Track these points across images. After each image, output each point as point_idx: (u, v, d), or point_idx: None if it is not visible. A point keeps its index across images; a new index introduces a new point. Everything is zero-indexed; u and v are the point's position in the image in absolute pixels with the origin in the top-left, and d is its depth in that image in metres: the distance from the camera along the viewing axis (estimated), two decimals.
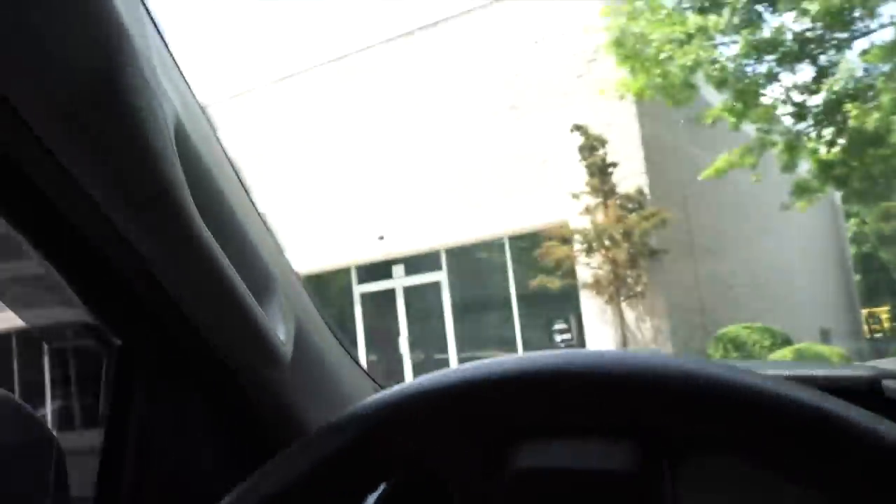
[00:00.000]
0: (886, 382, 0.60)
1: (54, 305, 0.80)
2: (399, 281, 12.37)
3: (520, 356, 0.48)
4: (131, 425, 0.67)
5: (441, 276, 12.02)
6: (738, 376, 0.43)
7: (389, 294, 12.40)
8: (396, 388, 0.50)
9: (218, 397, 0.70)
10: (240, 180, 0.68)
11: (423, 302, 12.21)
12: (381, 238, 12.11)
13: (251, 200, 0.69)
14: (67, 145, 0.47)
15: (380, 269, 12.51)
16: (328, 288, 13.03)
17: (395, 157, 12.21)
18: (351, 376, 0.84)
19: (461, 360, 11.53)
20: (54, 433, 0.73)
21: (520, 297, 11.38)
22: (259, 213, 0.70)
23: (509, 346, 11.35)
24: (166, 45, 0.56)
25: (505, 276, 11.58)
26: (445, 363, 11.58)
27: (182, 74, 0.59)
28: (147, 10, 0.52)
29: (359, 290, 12.75)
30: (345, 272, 12.81)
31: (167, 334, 0.65)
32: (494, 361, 0.48)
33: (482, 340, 11.89)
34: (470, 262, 12.29)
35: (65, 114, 0.44)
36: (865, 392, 0.59)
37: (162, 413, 0.69)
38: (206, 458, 0.71)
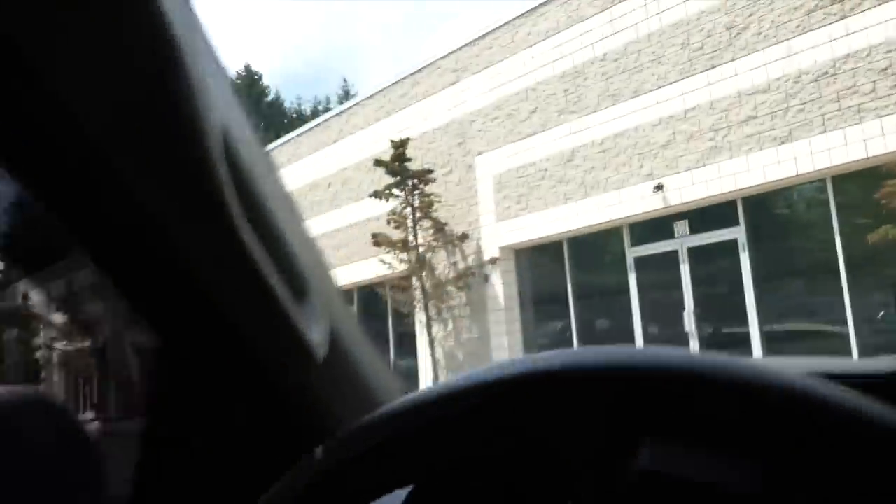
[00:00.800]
0: None
1: (96, 308, 0.87)
2: (682, 241, 10.03)
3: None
4: (169, 424, 0.71)
5: (737, 233, 9.47)
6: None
7: (671, 257, 10.12)
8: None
9: (251, 398, 0.71)
10: (280, 185, 0.69)
11: (713, 266, 9.75)
12: (659, 188, 9.92)
13: (290, 203, 0.70)
14: (118, 148, 0.49)
15: (658, 227, 10.28)
16: (596, 252, 11.15)
17: (670, 84, 9.94)
18: (383, 382, 0.84)
19: (764, 335, 9.02)
20: (90, 433, 0.77)
21: (849, 257, 8.48)
22: (298, 217, 0.72)
23: (837, 319, 8.50)
24: (213, 52, 0.57)
25: (828, 229, 8.72)
26: (741, 338, 9.09)
27: (227, 79, 0.61)
28: (195, 16, 0.52)
29: (632, 253, 10.61)
30: (615, 232, 10.78)
31: (204, 334, 0.65)
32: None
33: (792, 311, 9.14)
34: (776, 213, 9.57)
35: (117, 117, 0.46)
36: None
37: (198, 413, 0.71)
38: (241, 457, 0.73)
